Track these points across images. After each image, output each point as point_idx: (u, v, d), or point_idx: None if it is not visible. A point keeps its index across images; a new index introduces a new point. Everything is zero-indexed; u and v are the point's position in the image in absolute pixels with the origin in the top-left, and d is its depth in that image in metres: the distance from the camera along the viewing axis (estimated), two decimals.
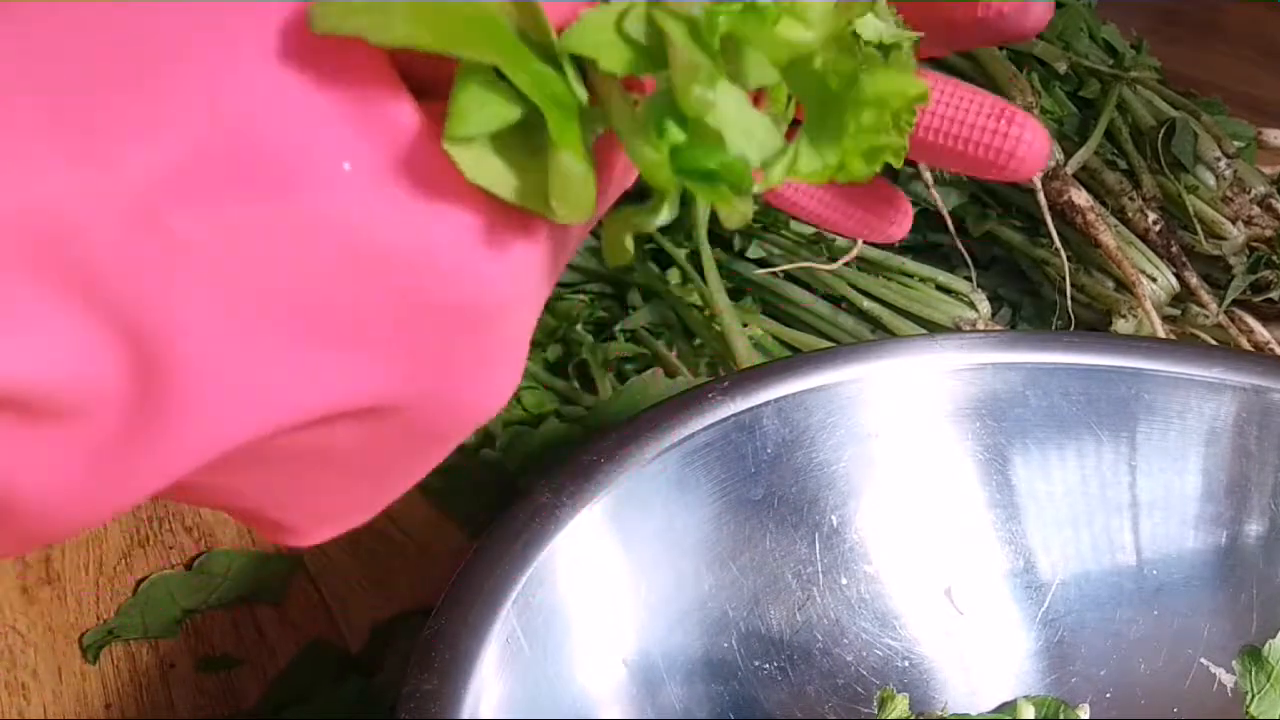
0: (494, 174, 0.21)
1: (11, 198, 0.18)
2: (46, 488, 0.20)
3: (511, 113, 0.21)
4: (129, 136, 0.19)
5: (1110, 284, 0.71)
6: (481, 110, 0.21)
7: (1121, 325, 0.69)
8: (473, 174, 0.21)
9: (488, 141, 0.21)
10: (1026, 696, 0.49)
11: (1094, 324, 0.72)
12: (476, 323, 0.23)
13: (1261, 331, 0.71)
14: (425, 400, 0.24)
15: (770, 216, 0.78)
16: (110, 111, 0.19)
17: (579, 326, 0.75)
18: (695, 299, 0.74)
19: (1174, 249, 0.72)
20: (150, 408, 0.20)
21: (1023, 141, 0.34)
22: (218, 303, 0.20)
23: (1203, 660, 0.49)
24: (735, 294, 0.75)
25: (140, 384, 0.20)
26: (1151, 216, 0.73)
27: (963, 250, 0.73)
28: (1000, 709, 0.49)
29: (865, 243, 0.72)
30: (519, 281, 0.23)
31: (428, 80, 0.22)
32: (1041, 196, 0.71)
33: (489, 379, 0.25)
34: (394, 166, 0.21)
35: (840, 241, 0.75)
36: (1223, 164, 0.76)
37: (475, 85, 0.21)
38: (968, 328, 0.70)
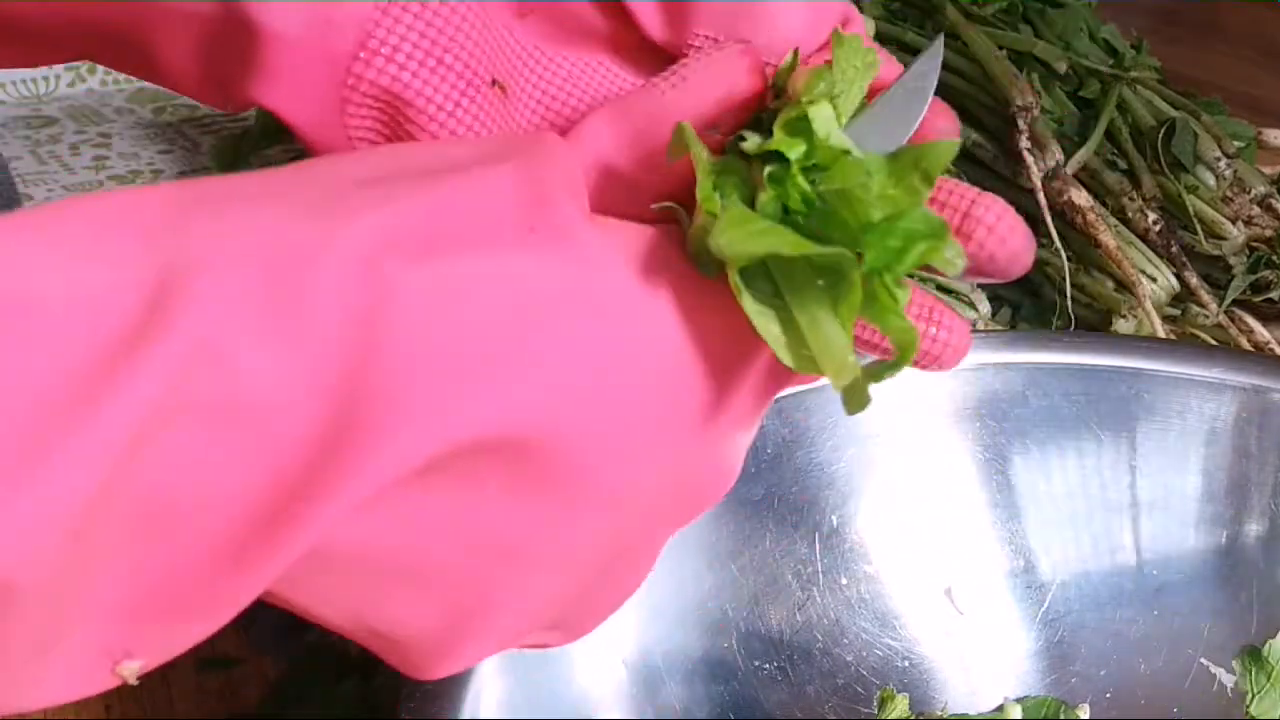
0: (771, 329, 0.25)
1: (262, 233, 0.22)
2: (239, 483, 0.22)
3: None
4: (361, 208, 0.23)
5: (1110, 284, 0.71)
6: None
7: (1121, 325, 0.69)
8: (753, 312, 0.24)
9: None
10: (1017, 699, 0.49)
11: (1094, 324, 0.71)
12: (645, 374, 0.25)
13: (1261, 331, 0.71)
14: (570, 447, 0.25)
15: None
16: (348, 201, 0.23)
17: None
18: None
19: (1174, 249, 0.72)
20: (347, 421, 0.22)
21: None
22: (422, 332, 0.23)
23: (1203, 660, 0.49)
24: None
25: (340, 400, 0.22)
26: (1151, 216, 0.73)
27: None
28: (1000, 709, 0.49)
29: None
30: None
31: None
32: (1041, 196, 0.71)
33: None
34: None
35: None
36: (1223, 164, 0.76)
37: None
38: None
